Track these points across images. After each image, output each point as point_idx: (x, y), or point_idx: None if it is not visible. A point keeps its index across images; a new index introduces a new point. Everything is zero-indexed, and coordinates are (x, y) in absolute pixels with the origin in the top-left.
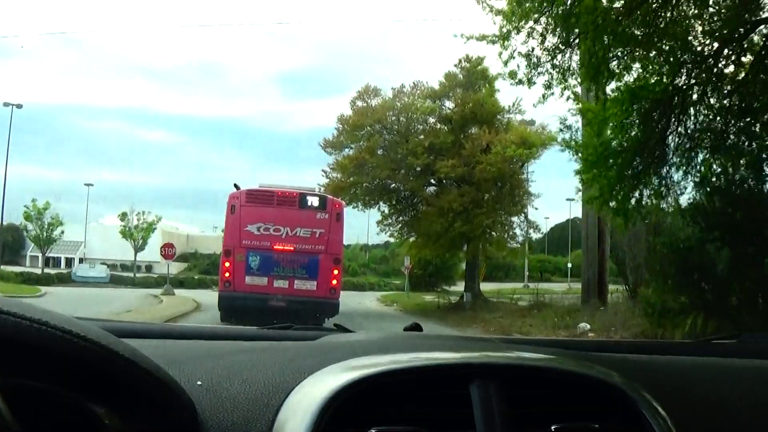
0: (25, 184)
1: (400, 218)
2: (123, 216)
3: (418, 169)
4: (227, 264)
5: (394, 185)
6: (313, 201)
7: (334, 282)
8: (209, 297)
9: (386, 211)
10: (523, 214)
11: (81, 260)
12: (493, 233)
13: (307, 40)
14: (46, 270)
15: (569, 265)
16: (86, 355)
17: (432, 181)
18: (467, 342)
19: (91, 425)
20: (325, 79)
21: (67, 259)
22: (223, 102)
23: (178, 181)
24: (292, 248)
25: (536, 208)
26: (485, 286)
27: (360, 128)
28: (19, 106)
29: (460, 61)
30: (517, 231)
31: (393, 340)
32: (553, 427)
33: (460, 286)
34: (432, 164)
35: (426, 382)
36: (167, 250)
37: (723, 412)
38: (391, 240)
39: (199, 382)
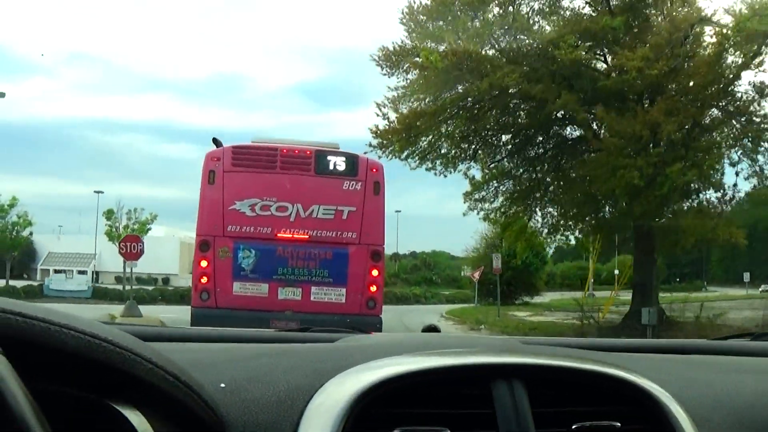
0: (46, 200)
1: (506, 185)
2: (109, 214)
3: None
4: (204, 264)
5: (508, 118)
6: (338, 162)
7: (374, 288)
8: None
9: (477, 176)
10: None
11: (57, 271)
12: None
13: (328, 50)
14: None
15: (616, 271)
16: (112, 358)
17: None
18: (487, 342)
19: (119, 428)
20: (348, 89)
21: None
22: (245, 114)
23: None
24: (306, 237)
25: None
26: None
27: (448, 11)
28: (2, 95)
29: None
30: None
31: (412, 342)
32: (574, 426)
33: (543, 297)
34: (592, 61)
35: (448, 382)
36: (130, 247)
37: (741, 409)
38: (485, 223)
39: (222, 385)
